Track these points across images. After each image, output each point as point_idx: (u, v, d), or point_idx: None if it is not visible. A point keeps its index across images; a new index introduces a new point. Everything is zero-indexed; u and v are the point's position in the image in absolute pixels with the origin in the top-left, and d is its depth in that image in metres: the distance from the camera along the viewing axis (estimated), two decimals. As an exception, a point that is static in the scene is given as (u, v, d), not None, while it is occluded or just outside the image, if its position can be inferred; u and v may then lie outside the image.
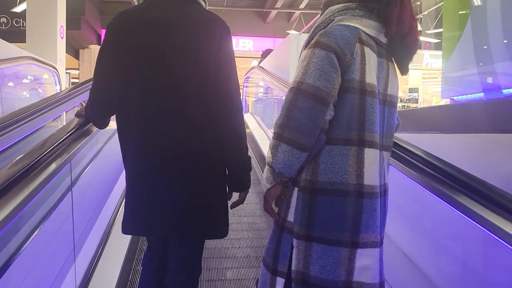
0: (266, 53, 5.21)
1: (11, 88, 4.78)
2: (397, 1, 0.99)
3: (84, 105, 1.36)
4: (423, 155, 1.21)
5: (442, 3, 8.73)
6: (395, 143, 1.32)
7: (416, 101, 10.09)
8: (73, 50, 10.16)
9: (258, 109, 6.27)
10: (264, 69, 4.64)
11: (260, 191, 3.21)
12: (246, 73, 6.41)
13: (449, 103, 4.10)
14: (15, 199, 0.88)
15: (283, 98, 1.00)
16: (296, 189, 1.00)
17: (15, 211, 0.86)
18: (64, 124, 1.45)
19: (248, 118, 5.56)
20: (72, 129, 1.37)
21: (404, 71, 1.08)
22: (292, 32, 7.13)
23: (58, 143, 1.25)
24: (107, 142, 2.27)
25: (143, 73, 1.09)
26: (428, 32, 9.69)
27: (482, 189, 0.94)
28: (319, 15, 1.13)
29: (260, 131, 4.81)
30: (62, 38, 6.02)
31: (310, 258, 0.97)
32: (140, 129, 1.11)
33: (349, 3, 1.03)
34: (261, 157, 3.83)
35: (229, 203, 1.23)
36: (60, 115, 2.32)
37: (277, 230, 1.05)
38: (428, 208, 1.46)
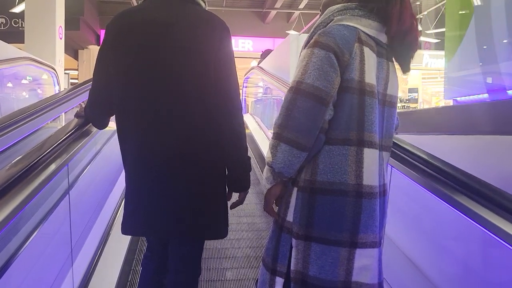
0: (265, 53, 5.22)
1: (10, 89, 4.78)
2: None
3: (83, 105, 1.36)
4: (424, 156, 1.21)
5: (443, 2, 8.75)
6: (399, 145, 1.32)
7: (415, 101, 10.10)
8: (72, 50, 10.15)
9: (258, 110, 6.27)
10: (264, 70, 4.64)
11: (259, 192, 3.21)
12: (246, 74, 6.41)
13: (452, 104, 4.06)
14: (15, 200, 0.88)
15: (283, 98, 1.00)
16: (295, 189, 1.01)
17: (15, 211, 0.86)
18: (63, 124, 1.45)
19: (247, 118, 5.56)
20: (72, 129, 1.37)
21: (405, 69, 1.08)
22: (292, 32, 7.15)
23: (58, 144, 1.24)
24: (106, 143, 2.27)
25: (143, 74, 1.09)
26: (428, 32, 9.70)
27: (484, 190, 0.93)
28: (318, 16, 1.13)
29: (260, 131, 4.81)
30: (60, 38, 6.02)
31: (309, 258, 0.97)
32: (140, 129, 1.11)
33: (349, 3, 1.03)
34: (260, 157, 3.83)
35: (229, 203, 1.23)
36: (59, 116, 2.32)
37: (277, 230, 1.05)
38: (430, 209, 1.46)
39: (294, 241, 0.99)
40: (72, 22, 7.66)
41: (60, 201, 1.37)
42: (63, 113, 2.25)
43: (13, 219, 0.85)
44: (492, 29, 3.08)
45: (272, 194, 1.04)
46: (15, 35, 6.60)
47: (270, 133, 3.89)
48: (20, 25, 7.06)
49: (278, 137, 0.96)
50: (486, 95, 3.20)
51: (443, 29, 8.83)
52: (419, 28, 9.15)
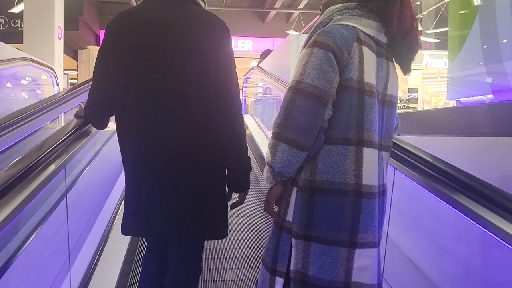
0: (265, 53, 5.21)
1: (9, 89, 4.77)
2: None
3: (83, 106, 1.36)
4: (426, 158, 1.20)
5: (443, 2, 8.74)
6: (401, 147, 1.31)
7: (415, 101, 10.10)
8: (71, 51, 10.13)
9: (258, 110, 6.27)
10: (264, 70, 4.64)
11: (259, 192, 3.20)
12: (246, 74, 6.40)
13: (455, 105, 4.00)
14: (14, 200, 0.88)
15: (282, 98, 1.00)
16: (295, 189, 1.00)
17: (15, 212, 0.85)
18: (62, 125, 1.44)
19: (247, 119, 5.55)
20: (71, 130, 1.37)
21: (406, 70, 1.07)
22: (292, 32, 7.14)
23: (57, 145, 1.24)
24: (105, 143, 2.27)
25: (143, 74, 1.09)
26: (428, 32, 9.70)
27: (486, 191, 0.93)
28: (318, 15, 1.13)
29: (259, 132, 4.81)
30: (59, 39, 6.01)
31: (308, 258, 0.97)
32: (140, 129, 1.11)
33: (348, 3, 1.02)
34: (260, 158, 3.82)
35: (229, 203, 1.23)
36: (58, 117, 2.31)
37: (276, 230, 1.05)
38: (430, 210, 1.45)
39: (294, 241, 0.99)
40: (71, 22, 7.65)
41: (59, 203, 1.36)
42: (62, 114, 2.25)
43: (13, 219, 0.85)
44: (497, 28, 3.01)
45: (272, 194, 1.04)
46: (14, 35, 6.59)
47: (270, 134, 3.87)
48: (19, 25, 7.05)
49: (278, 137, 0.96)
50: (491, 96, 3.14)
51: (443, 29, 8.85)
52: (419, 28, 9.15)
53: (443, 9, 9.11)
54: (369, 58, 0.98)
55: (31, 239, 1.11)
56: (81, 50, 10.42)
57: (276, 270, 1.02)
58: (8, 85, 4.72)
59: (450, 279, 1.36)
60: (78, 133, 1.41)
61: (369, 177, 0.97)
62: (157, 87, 1.09)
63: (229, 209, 1.21)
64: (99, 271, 1.73)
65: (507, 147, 1.22)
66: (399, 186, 1.34)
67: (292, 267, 0.99)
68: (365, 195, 0.96)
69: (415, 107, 9.93)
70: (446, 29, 8.25)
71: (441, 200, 1.08)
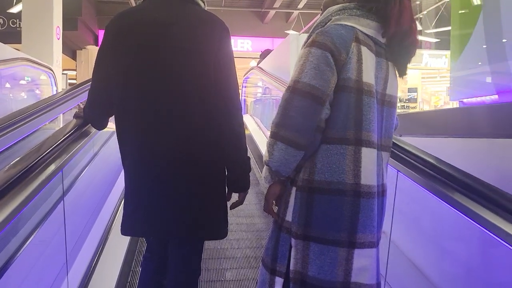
0: (265, 53, 5.21)
1: (7, 90, 4.76)
2: (396, 0, 0.99)
3: (82, 106, 1.35)
4: (427, 157, 1.20)
5: (442, 2, 8.74)
6: (403, 148, 1.30)
7: (415, 100, 10.11)
8: (70, 51, 10.11)
9: (257, 110, 6.27)
10: (264, 70, 4.63)
11: (259, 192, 3.20)
12: (245, 74, 6.40)
13: (458, 106, 3.92)
14: (14, 201, 0.87)
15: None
16: (294, 189, 1.01)
17: (8, 219, 0.84)
18: (61, 126, 1.44)
19: (247, 119, 5.55)
20: (71, 130, 1.36)
21: (402, 72, 1.08)
22: (292, 32, 7.14)
23: (57, 145, 1.24)
24: (104, 144, 2.26)
25: (142, 74, 1.09)
26: (428, 31, 9.70)
27: (486, 191, 0.93)
28: (319, 16, 1.13)
29: (259, 132, 4.81)
30: (58, 39, 5.99)
31: (308, 258, 0.97)
32: (140, 129, 1.11)
33: (348, 3, 1.03)
34: (260, 158, 3.83)
35: (229, 203, 1.23)
36: (57, 117, 2.31)
37: (276, 229, 1.05)
38: (430, 210, 1.45)
39: (293, 241, 0.99)
40: (70, 22, 7.64)
41: (56, 206, 1.36)
42: (61, 114, 2.24)
43: (13, 219, 0.85)
44: (502, 26, 2.93)
45: (271, 193, 1.05)
46: (13, 36, 6.57)
47: (269, 133, 3.85)
48: (17, 26, 7.03)
49: (275, 136, 0.96)
50: (495, 97, 3.08)
51: (443, 29, 8.85)
52: (419, 27, 9.16)
53: (442, 9, 9.11)
54: (368, 58, 0.98)
55: (26, 244, 1.11)
56: (80, 50, 10.40)
57: (276, 270, 1.02)
58: (7, 85, 4.71)
59: (450, 279, 1.36)
60: (78, 133, 1.40)
61: (368, 177, 0.97)
62: (157, 87, 1.09)
63: (228, 209, 1.21)
64: (98, 271, 1.73)
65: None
66: (401, 187, 1.33)
67: (291, 267, 0.99)
68: (363, 195, 0.96)
69: (414, 107, 9.94)
70: (446, 28, 8.26)
71: (450, 206, 1.06)
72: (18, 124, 1.40)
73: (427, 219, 1.57)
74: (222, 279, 1.96)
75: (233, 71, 1.13)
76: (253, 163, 3.80)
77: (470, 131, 1.48)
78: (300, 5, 10.56)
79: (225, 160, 1.15)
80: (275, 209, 1.09)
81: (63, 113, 2.09)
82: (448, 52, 8.86)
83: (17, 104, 4.95)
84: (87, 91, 1.22)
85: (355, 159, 0.96)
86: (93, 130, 1.51)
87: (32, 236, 1.15)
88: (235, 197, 1.23)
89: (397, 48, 1.03)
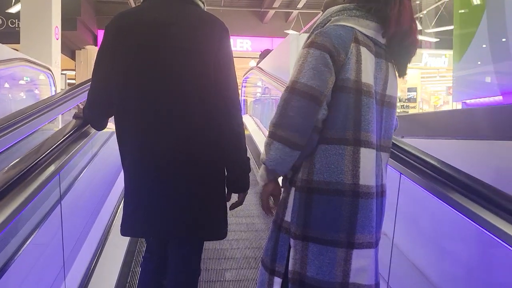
0: (264, 53, 5.21)
1: (6, 90, 4.75)
2: (396, 0, 0.99)
3: (81, 107, 1.35)
4: (431, 160, 1.19)
5: (442, 1, 8.73)
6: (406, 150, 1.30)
7: (414, 100, 10.11)
8: (69, 51, 10.10)
9: (257, 110, 6.27)
10: (264, 70, 4.63)
11: (258, 192, 3.20)
12: (245, 74, 6.40)
13: (460, 108, 3.82)
14: (14, 202, 0.87)
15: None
16: (293, 189, 1.01)
17: (14, 214, 0.84)
18: (60, 126, 1.43)
19: (246, 119, 5.55)
20: (70, 131, 1.36)
21: (402, 73, 1.08)
22: (291, 32, 7.14)
23: (56, 146, 1.23)
24: (103, 144, 2.26)
25: (142, 74, 1.09)
26: (428, 31, 9.69)
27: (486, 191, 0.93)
28: (319, 16, 1.13)
29: (259, 132, 4.81)
30: (57, 39, 5.98)
31: (306, 258, 0.97)
32: (140, 129, 1.11)
33: (348, 4, 1.03)
34: (259, 158, 3.81)
35: (228, 204, 1.23)
36: (56, 118, 2.30)
37: (275, 230, 1.05)
38: (431, 211, 1.45)
39: (292, 241, 0.99)
40: (69, 22, 7.62)
41: (54, 208, 1.35)
42: (60, 115, 2.23)
43: (12, 220, 0.84)
44: (507, 25, 2.84)
45: (265, 191, 1.05)
46: (11, 36, 6.56)
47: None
48: (16, 26, 7.02)
49: (272, 136, 0.97)
50: (500, 98, 2.98)
51: (443, 28, 8.84)
52: (419, 27, 9.16)
53: (442, 9, 9.10)
54: (367, 58, 0.98)
55: (23, 248, 1.10)
56: (79, 50, 10.39)
57: (275, 270, 1.02)
58: (6, 85, 4.70)
59: (450, 279, 1.36)
60: (77, 134, 1.40)
61: (366, 177, 0.97)
62: (157, 87, 1.09)
63: (228, 209, 1.21)
64: (98, 272, 1.73)
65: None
66: (401, 188, 1.33)
67: (290, 268, 0.99)
68: (362, 195, 0.96)
69: (414, 106, 9.94)
70: (446, 28, 8.24)
71: (450, 207, 1.06)
72: (18, 125, 1.40)
73: (427, 220, 1.57)
74: (222, 280, 1.96)
75: (232, 71, 1.13)
76: (252, 163, 3.80)
77: (471, 133, 1.47)
78: (300, 5, 10.56)
79: (225, 160, 1.15)
80: (273, 208, 1.09)
81: (62, 114, 2.09)
82: (448, 52, 8.86)
83: (16, 105, 4.93)
84: (87, 92, 1.22)
85: (354, 160, 0.96)
86: (93, 130, 1.51)
87: (29, 240, 1.14)
88: (234, 197, 1.23)
89: (397, 48, 1.03)
